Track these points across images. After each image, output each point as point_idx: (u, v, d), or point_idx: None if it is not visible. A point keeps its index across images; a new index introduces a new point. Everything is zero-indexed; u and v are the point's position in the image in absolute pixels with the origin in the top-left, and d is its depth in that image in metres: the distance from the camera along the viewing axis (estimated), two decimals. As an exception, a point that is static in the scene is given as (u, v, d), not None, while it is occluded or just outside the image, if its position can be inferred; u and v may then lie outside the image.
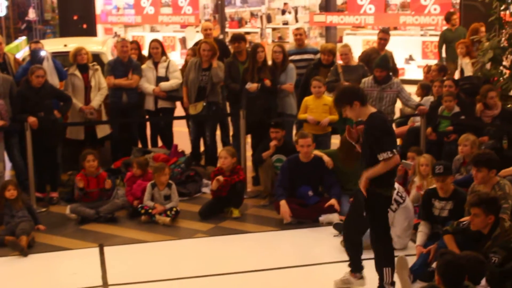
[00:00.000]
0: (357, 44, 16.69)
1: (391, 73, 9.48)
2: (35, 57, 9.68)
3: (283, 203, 8.09)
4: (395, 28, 18.11)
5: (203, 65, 9.72)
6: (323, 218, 8.08)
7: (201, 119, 9.95)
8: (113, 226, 8.29)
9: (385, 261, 5.93)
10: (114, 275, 6.92)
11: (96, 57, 10.44)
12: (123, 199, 8.67)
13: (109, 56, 11.00)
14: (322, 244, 7.59)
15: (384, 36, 11.09)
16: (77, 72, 9.78)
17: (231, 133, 10.26)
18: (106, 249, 7.60)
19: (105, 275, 6.91)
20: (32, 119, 8.79)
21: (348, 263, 6.32)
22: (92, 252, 7.54)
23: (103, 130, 10.00)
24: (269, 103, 9.52)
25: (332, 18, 17.64)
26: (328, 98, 9.25)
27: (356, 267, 6.27)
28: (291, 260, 7.21)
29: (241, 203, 8.60)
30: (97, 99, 9.83)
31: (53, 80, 9.66)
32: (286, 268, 6.97)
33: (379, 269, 5.95)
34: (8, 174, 9.53)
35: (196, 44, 10.76)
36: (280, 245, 7.76)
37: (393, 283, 5.93)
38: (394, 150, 5.69)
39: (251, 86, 9.40)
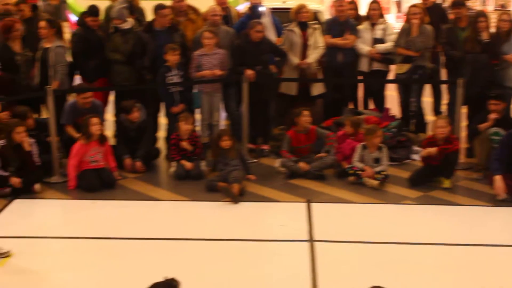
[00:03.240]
0: None
1: None
2: (254, 12, 9.90)
3: (498, 178, 7.70)
4: None
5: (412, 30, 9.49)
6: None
7: (407, 83, 9.73)
8: (321, 184, 8.36)
9: None
10: (320, 231, 6.96)
11: (314, 15, 10.45)
12: (333, 158, 8.69)
13: (326, 14, 11.00)
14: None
15: None
16: (297, 29, 9.86)
17: (445, 101, 9.94)
18: (313, 205, 7.68)
19: (311, 231, 6.98)
20: (249, 72, 9.02)
21: None
22: (299, 207, 7.65)
23: (318, 88, 10.04)
24: (494, 75, 9.09)
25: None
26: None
27: None
28: (502, 238, 6.87)
29: (453, 174, 8.32)
30: (312, 56, 9.86)
31: (271, 35, 9.83)
32: (495, 246, 6.65)
33: None
34: (223, 123, 9.87)
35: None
36: (491, 221, 7.44)
37: None
38: None
39: None
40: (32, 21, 9.79)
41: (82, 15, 9.47)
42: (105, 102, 9.70)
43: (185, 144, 8.61)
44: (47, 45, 9.13)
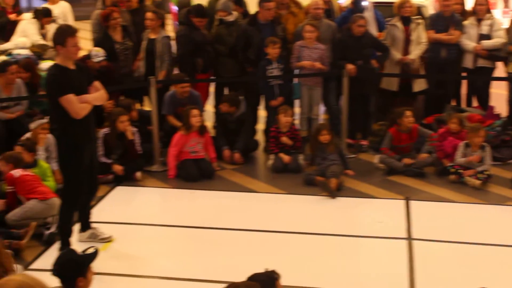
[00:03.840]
0: None
1: None
2: (357, 6, 9.79)
3: None
4: None
5: None
6: None
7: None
8: (420, 181, 8.21)
9: None
10: (419, 229, 6.84)
11: (418, 10, 10.24)
12: (433, 156, 8.51)
13: (430, 9, 10.77)
14: None
15: None
16: (399, 24, 9.67)
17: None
18: (412, 203, 7.54)
19: (410, 229, 6.86)
20: (350, 67, 8.94)
21: None
22: (397, 204, 7.54)
23: (419, 84, 9.84)
24: None
25: None
26: None
27: None
28: None
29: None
30: (415, 53, 9.66)
31: (373, 30, 9.71)
32: None
33: None
34: (322, 117, 9.83)
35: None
36: None
37: None
38: None
39: None
40: (138, 12, 10.02)
41: (188, 14, 9.51)
42: (207, 93, 9.81)
43: (285, 139, 8.62)
44: (153, 36, 9.33)
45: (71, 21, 11.91)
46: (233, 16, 9.46)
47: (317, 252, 6.37)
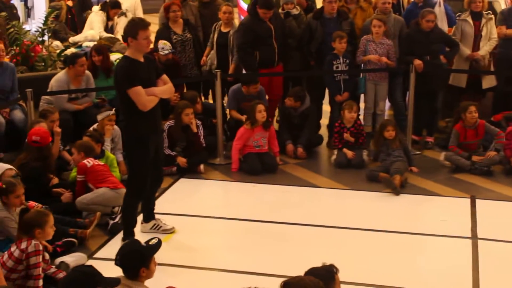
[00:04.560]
0: None
1: None
2: (427, 1, 9.65)
3: None
4: None
5: None
6: None
7: None
8: (487, 180, 8.04)
9: None
10: (484, 229, 6.71)
11: (489, 5, 10.03)
12: (501, 154, 8.32)
13: (502, 4, 10.53)
14: None
15: None
16: (470, 19, 9.48)
17: None
18: (478, 201, 7.41)
19: (475, 228, 6.73)
20: (418, 62, 8.81)
21: None
22: (463, 202, 7.41)
23: (489, 81, 9.64)
24: None
25: None
26: None
27: None
28: None
29: None
30: (485, 49, 9.46)
31: (443, 25, 9.55)
32: None
33: None
34: (387, 113, 9.73)
35: None
36: None
37: None
38: None
39: None
40: (208, 5, 10.09)
41: (254, 4, 9.48)
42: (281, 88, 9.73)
43: (347, 136, 8.56)
44: (225, 30, 9.39)
45: (140, 14, 12.10)
46: (297, 9, 9.44)
47: (379, 249, 6.32)
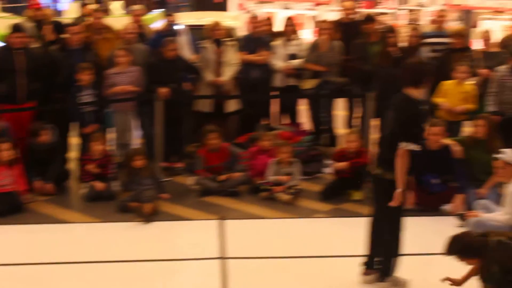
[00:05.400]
0: (495, 29, 15.92)
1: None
2: (170, 30, 9.90)
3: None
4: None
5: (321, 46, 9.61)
6: (447, 207, 7.83)
7: (316, 98, 9.85)
8: (234, 200, 8.38)
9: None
10: (233, 248, 6.97)
11: (229, 32, 10.45)
12: (245, 174, 8.72)
13: (241, 31, 11.07)
14: (444, 234, 7.31)
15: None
16: (211, 46, 9.86)
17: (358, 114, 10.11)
18: (226, 222, 7.68)
19: (224, 248, 6.98)
20: (163, 90, 8.98)
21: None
22: (212, 224, 7.64)
23: (232, 105, 10.07)
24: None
25: (471, 1, 16.92)
26: (468, 85, 9.07)
27: None
28: (409, 247, 6.96)
29: (363, 186, 8.44)
30: (227, 74, 9.88)
31: (187, 53, 9.82)
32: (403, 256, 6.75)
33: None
34: (137, 142, 9.79)
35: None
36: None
37: None
38: None
39: None
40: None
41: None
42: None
43: (90, 167, 8.49)
44: None
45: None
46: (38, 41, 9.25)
47: (133, 279, 6.33)
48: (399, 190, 5.72)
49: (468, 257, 5.42)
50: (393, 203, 5.75)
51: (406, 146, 5.64)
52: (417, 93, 5.73)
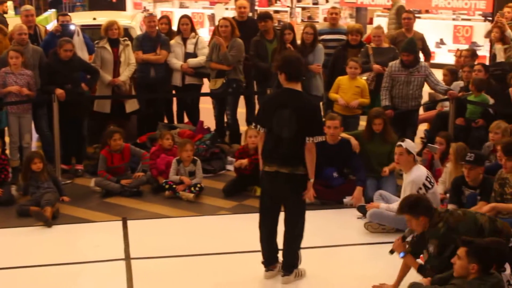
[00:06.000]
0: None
1: (423, 56, 9.38)
2: (65, 30, 9.71)
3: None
4: (427, 11, 17.86)
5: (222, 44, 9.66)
6: (347, 200, 8.06)
7: (222, 96, 9.93)
8: (137, 200, 8.33)
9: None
10: (137, 248, 6.95)
11: (125, 32, 10.38)
12: (148, 174, 8.69)
13: (137, 30, 10.99)
14: (345, 226, 7.56)
15: (408, 15, 10.97)
16: (108, 46, 9.75)
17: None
18: (130, 222, 7.64)
19: (128, 249, 6.94)
20: (59, 91, 8.83)
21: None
22: (115, 225, 7.58)
23: (132, 105, 10.01)
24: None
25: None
26: (361, 80, 9.30)
27: None
28: (313, 240, 7.13)
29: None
30: (125, 74, 9.80)
31: (83, 53, 9.67)
32: (307, 249, 6.88)
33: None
34: (34, 145, 9.58)
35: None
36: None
37: None
38: None
39: None
40: None
41: None
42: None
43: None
44: None
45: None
46: None
47: (38, 285, 6.24)
48: (312, 181, 5.98)
49: (418, 214, 5.67)
50: (307, 195, 5.99)
51: (314, 140, 5.80)
52: (300, 87, 5.92)
